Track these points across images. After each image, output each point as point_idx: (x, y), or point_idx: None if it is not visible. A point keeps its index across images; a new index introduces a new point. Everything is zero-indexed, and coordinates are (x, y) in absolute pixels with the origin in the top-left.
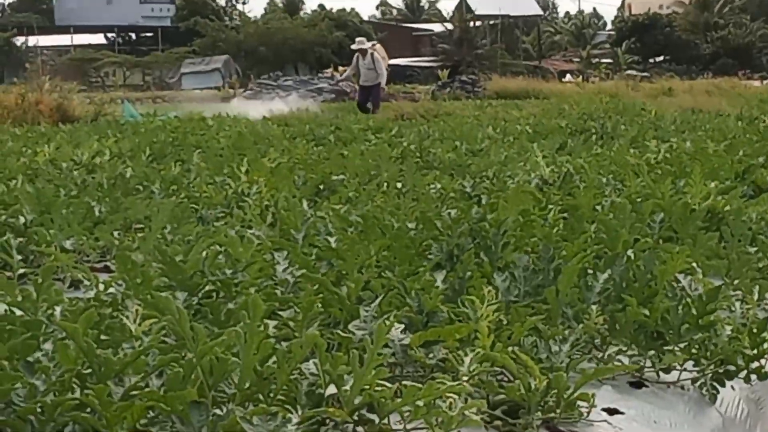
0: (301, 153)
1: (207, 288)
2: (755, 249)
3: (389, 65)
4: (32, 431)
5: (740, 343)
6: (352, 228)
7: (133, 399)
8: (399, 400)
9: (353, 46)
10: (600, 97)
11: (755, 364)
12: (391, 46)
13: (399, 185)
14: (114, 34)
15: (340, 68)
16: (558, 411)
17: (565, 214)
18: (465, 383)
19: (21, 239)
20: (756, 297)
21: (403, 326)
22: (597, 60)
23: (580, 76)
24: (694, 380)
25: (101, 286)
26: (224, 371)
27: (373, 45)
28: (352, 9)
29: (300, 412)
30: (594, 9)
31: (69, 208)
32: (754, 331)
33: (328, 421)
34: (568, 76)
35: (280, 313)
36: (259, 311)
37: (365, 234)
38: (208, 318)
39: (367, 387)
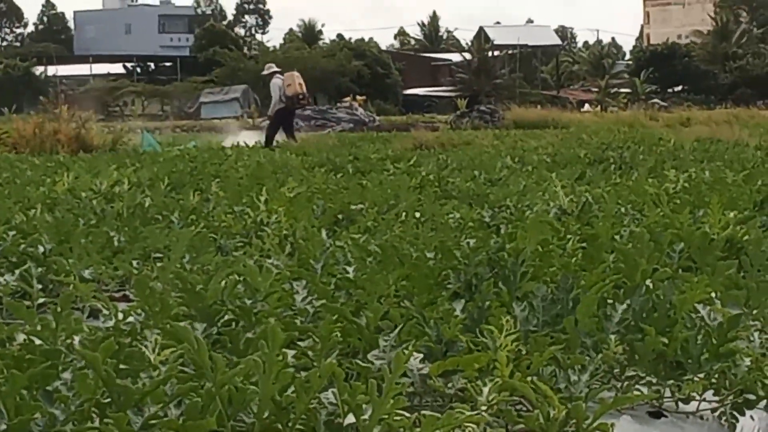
0: (319, 182)
1: (226, 317)
2: None
3: (301, 94)
4: None
5: (760, 372)
6: (371, 258)
7: (153, 428)
8: (418, 429)
9: (263, 72)
10: (618, 127)
11: None
12: (410, 75)
13: (417, 215)
14: (133, 64)
15: (358, 98)
16: None
17: (584, 244)
18: (484, 413)
19: (40, 268)
20: None
21: (422, 356)
22: (615, 90)
23: (599, 106)
24: (713, 410)
25: (120, 316)
26: (243, 401)
27: (274, 71)
28: (371, 38)
29: None
30: (612, 39)
31: (88, 237)
32: None
33: None
34: (587, 106)
35: (299, 342)
36: (278, 341)
37: (384, 264)
38: (227, 347)
39: (386, 417)
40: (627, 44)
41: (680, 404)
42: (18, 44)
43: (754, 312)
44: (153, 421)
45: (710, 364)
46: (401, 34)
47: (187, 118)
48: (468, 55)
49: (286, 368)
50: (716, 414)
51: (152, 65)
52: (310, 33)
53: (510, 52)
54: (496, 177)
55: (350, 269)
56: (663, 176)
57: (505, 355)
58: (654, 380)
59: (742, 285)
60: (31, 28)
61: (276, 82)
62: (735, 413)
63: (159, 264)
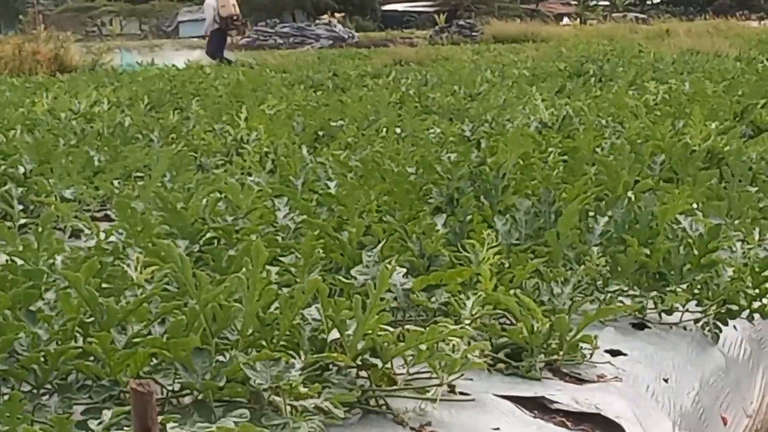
0: (299, 99)
1: (208, 235)
2: (755, 189)
3: (235, 15)
4: (35, 380)
5: (742, 282)
6: (352, 173)
7: (136, 347)
8: (402, 344)
9: None
10: (598, 40)
11: (757, 304)
12: None
13: (398, 130)
14: None
15: (337, 14)
16: (561, 353)
17: (565, 157)
18: (467, 327)
19: (21, 189)
20: (757, 237)
21: (405, 271)
22: (594, 3)
23: (578, 19)
24: (696, 321)
25: (102, 235)
26: (227, 318)
27: None
28: None
29: (303, 358)
30: None
31: (68, 157)
32: (756, 270)
33: (331, 366)
34: (566, 19)
35: (282, 259)
36: (262, 258)
37: (365, 179)
38: (209, 265)
39: (370, 332)
40: None
41: (663, 315)
42: None
43: (736, 222)
44: (137, 339)
45: (692, 275)
46: None
47: (166, 37)
48: None
49: (270, 285)
50: (699, 324)
51: None
52: None
53: None
54: (476, 92)
55: (331, 185)
56: (643, 88)
57: (488, 269)
58: (637, 292)
59: (723, 195)
60: None
61: (210, 2)
62: (718, 323)
63: (140, 183)
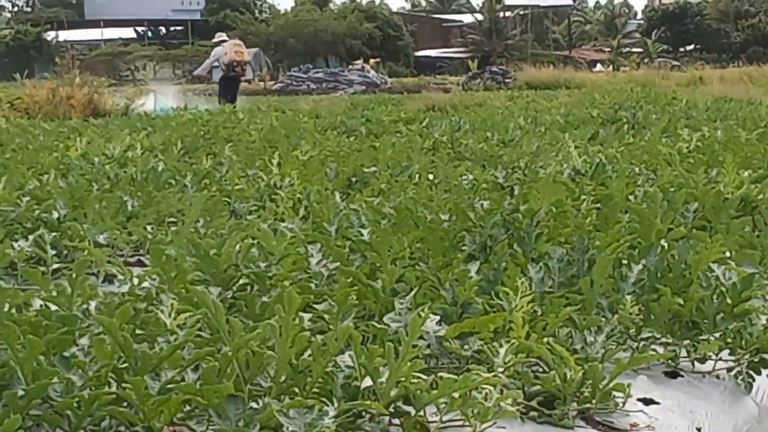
0: (332, 145)
1: (241, 281)
2: None
3: (234, 62)
4: (69, 426)
5: None
6: (385, 220)
7: (170, 393)
8: (435, 392)
9: (213, 40)
10: (631, 87)
11: None
12: (422, 37)
13: (431, 177)
14: (144, 28)
15: (371, 60)
16: (594, 401)
17: (598, 205)
18: (500, 374)
19: (55, 234)
20: None
21: (437, 318)
22: (627, 49)
23: (611, 66)
24: (729, 369)
25: (135, 281)
26: (260, 365)
27: (222, 41)
28: (382, 0)
29: (336, 405)
30: None
31: (102, 202)
32: None
33: (364, 413)
34: (599, 66)
35: (315, 306)
36: (295, 304)
37: (398, 226)
38: (242, 311)
39: (403, 379)
40: (639, 3)
41: (696, 364)
42: (29, 9)
43: None
44: (170, 386)
45: (726, 323)
46: None
47: (199, 81)
48: (479, 16)
49: (303, 332)
50: (732, 373)
51: (163, 29)
52: None
53: (521, 12)
54: (508, 138)
55: (365, 232)
56: (676, 135)
57: (521, 316)
58: (670, 340)
59: (756, 244)
60: None
61: (218, 50)
62: (751, 372)
63: (173, 228)
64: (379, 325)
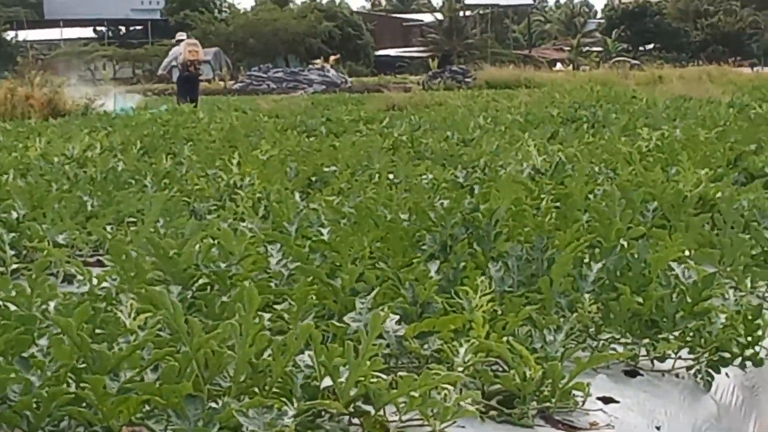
0: (292, 145)
1: (201, 281)
2: (748, 236)
3: (188, 61)
4: (28, 426)
5: (735, 330)
6: (345, 220)
7: (129, 393)
8: (394, 391)
9: (173, 40)
10: (591, 86)
11: (750, 351)
12: (382, 36)
13: (391, 176)
14: (104, 28)
15: (331, 58)
16: (553, 400)
17: (558, 204)
18: (460, 373)
19: (14, 234)
20: (749, 284)
21: (397, 317)
22: (587, 49)
23: (571, 65)
24: (688, 368)
25: (95, 281)
26: (220, 364)
27: (179, 40)
28: (342, 0)
29: (296, 405)
30: None
31: (61, 202)
32: (749, 317)
33: (324, 413)
34: (559, 65)
35: (275, 306)
36: (255, 303)
37: (358, 225)
38: (202, 311)
39: (363, 378)
40: (599, 2)
41: (656, 363)
42: None
43: (728, 269)
44: (129, 386)
45: (685, 322)
46: None
47: (159, 81)
48: (439, 16)
49: (263, 331)
50: (692, 372)
51: (123, 29)
52: None
53: (481, 11)
54: (468, 137)
55: (324, 231)
56: (636, 134)
57: (481, 315)
58: (629, 339)
59: (715, 242)
60: None
61: (175, 49)
62: (710, 371)
63: (133, 228)
64: (339, 324)
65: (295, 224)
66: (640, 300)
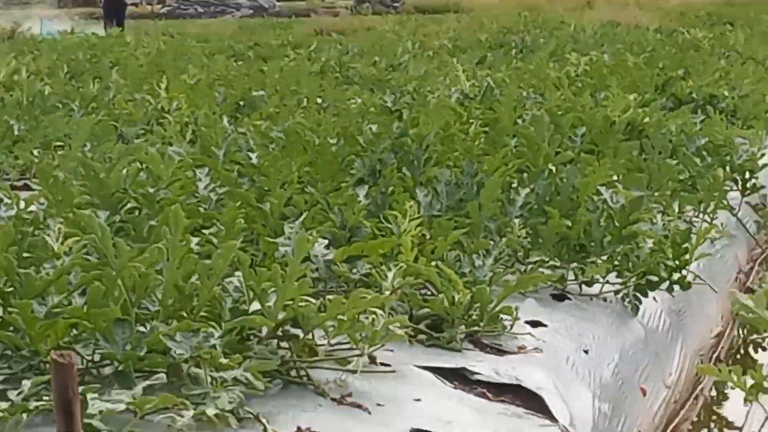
0: (220, 69)
1: (129, 205)
2: (675, 161)
3: None
4: None
5: (663, 254)
6: (274, 144)
7: (57, 317)
8: (323, 314)
9: None
10: (519, 11)
11: (677, 275)
12: None
13: (319, 101)
14: None
15: None
16: (482, 324)
17: (486, 129)
18: (389, 296)
19: None
20: (677, 209)
21: (326, 242)
22: None
23: None
24: (616, 292)
25: (22, 204)
26: (146, 287)
27: None
28: None
29: (223, 329)
30: None
31: None
32: (677, 241)
33: (251, 336)
34: None
35: (204, 231)
36: (181, 224)
37: (287, 150)
38: (130, 235)
39: (291, 302)
40: None
41: (584, 287)
42: None
43: (656, 194)
44: (57, 310)
45: (613, 246)
46: None
47: (86, 5)
48: None
49: (190, 254)
50: (619, 296)
51: None
52: None
53: None
54: (397, 62)
55: (253, 156)
56: (564, 60)
57: (410, 240)
58: (557, 263)
59: (643, 167)
60: None
61: None
62: (638, 295)
63: (60, 153)
64: (270, 240)
65: (224, 149)
66: (569, 224)
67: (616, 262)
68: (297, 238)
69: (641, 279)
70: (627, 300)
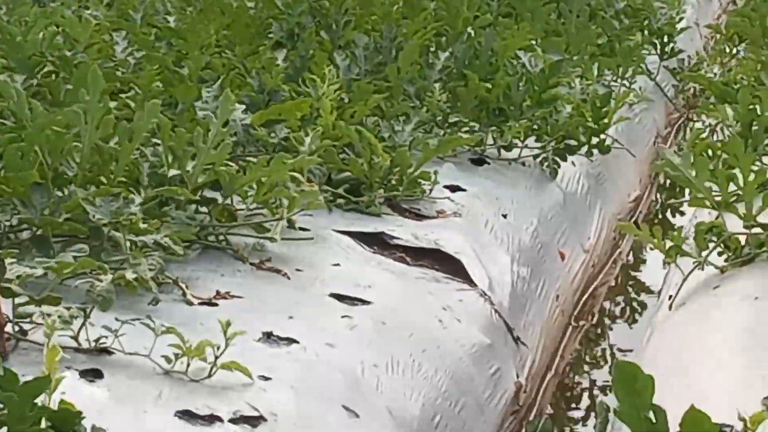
0: None
1: (46, 69)
2: (594, 26)
3: None
4: None
5: (582, 117)
6: (192, 7)
7: None
8: (245, 177)
9: None
10: None
11: (596, 140)
12: None
13: None
14: None
15: None
16: (401, 189)
17: None
18: (312, 158)
19: None
20: (595, 73)
21: (244, 107)
22: None
23: None
24: (535, 156)
25: None
26: (63, 149)
27: None
28: None
29: (143, 193)
30: None
31: None
32: (597, 105)
33: (170, 201)
34: None
35: (121, 95)
36: (99, 84)
37: (204, 13)
38: (47, 99)
39: (211, 165)
40: None
41: (503, 152)
42: None
43: (575, 58)
44: None
45: (532, 110)
46: None
47: None
48: None
49: (109, 115)
50: (538, 160)
51: None
52: None
53: None
54: None
55: (171, 19)
56: None
57: (329, 103)
58: (477, 127)
59: (561, 31)
60: None
61: None
62: (557, 159)
63: None
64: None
65: (141, 12)
66: (488, 86)
67: (535, 126)
68: (222, 99)
69: (560, 143)
70: (546, 164)
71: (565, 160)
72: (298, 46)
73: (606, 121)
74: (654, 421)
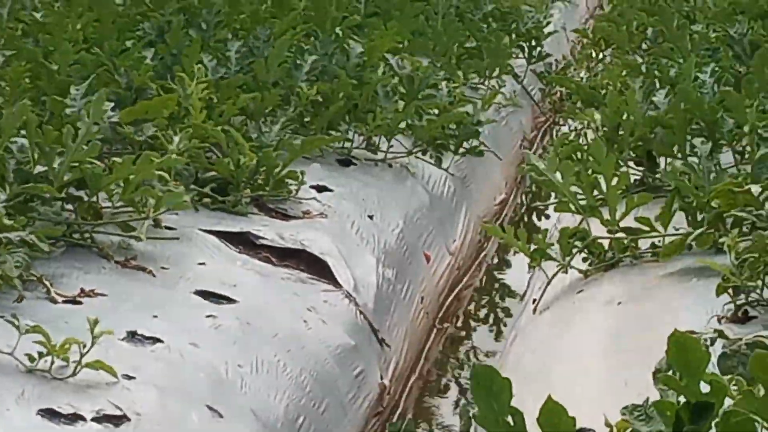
0: None
1: None
2: (462, 28)
3: None
4: None
5: (449, 120)
6: (59, 2)
7: None
8: (111, 175)
9: None
10: None
11: (468, 145)
12: None
13: None
14: None
15: None
16: (267, 188)
17: None
18: (179, 157)
19: None
20: (462, 76)
21: (112, 104)
22: None
23: None
24: (402, 158)
25: None
26: None
27: None
28: None
29: (8, 191)
30: None
31: None
32: (465, 110)
33: (36, 198)
34: None
35: None
36: None
37: (72, 8)
38: None
39: (78, 163)
40: None
41: (369, 152)
42: None
43: (441, 60)
44: None
45: (401, 113)
46: None
47: None
48: None
49: None
50: (405, 161)
51: None
52: None
53: None
54: None
55: (38, 15)
56: None
57: (197, 101)
58: (344, 128)
59: (428, 32)
60: None
61: None
62: (427, 159)
63: None
64: (57, 99)
65: (8, 6)
66: (355, 82)
67: (402, 127)
68: (95, 98)
69: (430, 146)
70: (412, 166)
71: (435, 163)
72: (169, 44)
73: (476, 127)
74: (512, 424)
